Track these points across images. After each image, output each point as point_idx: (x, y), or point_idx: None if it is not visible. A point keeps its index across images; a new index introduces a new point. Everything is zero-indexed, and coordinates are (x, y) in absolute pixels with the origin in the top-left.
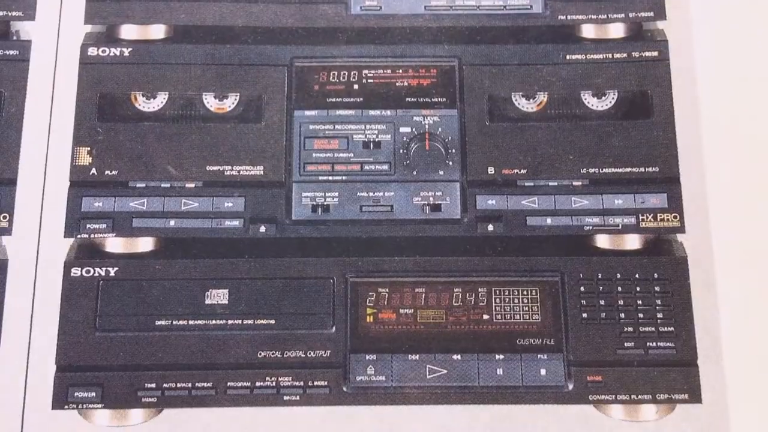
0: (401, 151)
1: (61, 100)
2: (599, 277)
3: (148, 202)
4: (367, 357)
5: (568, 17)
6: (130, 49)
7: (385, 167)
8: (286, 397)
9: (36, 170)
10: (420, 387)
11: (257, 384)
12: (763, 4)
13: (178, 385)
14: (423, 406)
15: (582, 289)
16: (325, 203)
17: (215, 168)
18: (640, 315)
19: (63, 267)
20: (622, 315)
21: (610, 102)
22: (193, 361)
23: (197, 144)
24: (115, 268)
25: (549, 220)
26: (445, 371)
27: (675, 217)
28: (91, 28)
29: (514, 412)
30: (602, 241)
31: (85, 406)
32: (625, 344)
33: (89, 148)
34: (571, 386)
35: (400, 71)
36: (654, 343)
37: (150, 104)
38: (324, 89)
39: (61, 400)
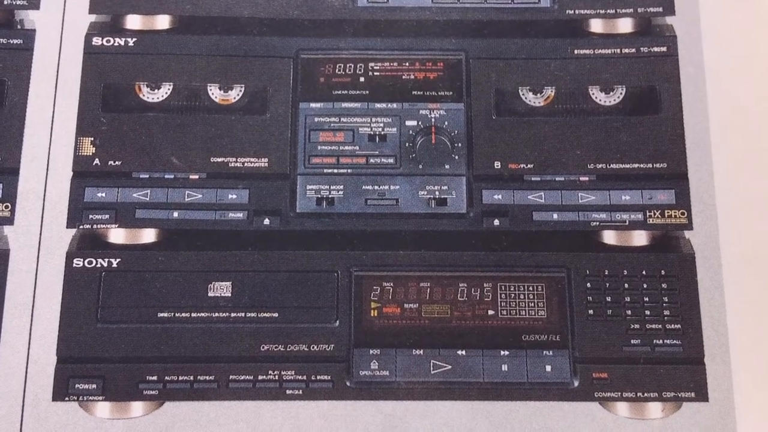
0: (407, 144)
1: (65, 90)
2: (606, 273)
3: (151, 194)
4: (371, 351)
5: (576, 12)
6: (134, 39)
7: (391, 160)
8: (288, 391)
9: (39, 160)
10: (424, 382)
11: (260, 378)
12: None
13: (180, 378)
14: (427, 401)
15: (588, 285)
16: (330, 196)
17: (219, 159)
18: (647, 312)
19: (65, 258)
20: (629, 312)
21: (618, 97)
22: (195, 353)
23: (201, 135)
24: (118, 260)
25: (555, 216)
26: (450, 367)
27: (682, 214)
28: (95, 18)
29: (519, 408)
30: (609, 237)
31: (85, 398)
32: (632, 341)
33: (92, 139)
34: (576, 383)
35: (407, 64)
36: (660, 341)
37: (154, 95)
38: (330, 81)
39: (61, 391)
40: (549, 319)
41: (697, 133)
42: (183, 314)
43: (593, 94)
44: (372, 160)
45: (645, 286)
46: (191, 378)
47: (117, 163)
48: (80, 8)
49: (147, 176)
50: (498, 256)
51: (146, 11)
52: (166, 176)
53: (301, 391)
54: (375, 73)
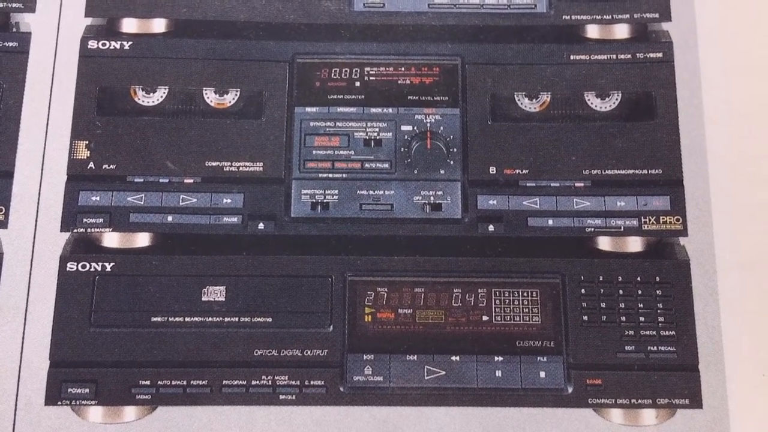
0: (402, 149)
1: (60, 93)
2: (600, 279)
3: (145, 197)
4: (365, 357)
5: (573, 17)
6: (130, 43)
7: (386, 165)
8: (282, 397)
9: (33, 163)
10: (418, 388)
11: (253, 383)
12: None
13: (173, 382)
14: (420, 407)
15: (583, 291)
16: (325, 201)
17: (214, 164)
18: (642, 318)
19: (59, 261)
20: (623, 318)
21: (614, 103)
22: (188, 358)
23: (196, 139)
24: (112, 264)
25: (550, 221)
26: (444, 372)
27: (678, 220)
28: (91, 21)
29: (513, 414)
30: (604, 243)
31: (78, 402)
32: (626, 348)
33: (87, 142)
34: (570, 389)
35: (403, 69)
36: (655, 347)
37: (149, 98)
38: (325, 86)
39: (54, 395)
40: (543, 325)
41: (692, 139)
42: (176, 318)
43: (589, 99)
44: (367, 165)
45: (640, 292)
46: (184, 383)
47: (112, 166)
48: (76, 11)
49: (141, 180)
50: (492, 262)
51: (142, 15)
52: (160, 180)
53: (294, 397)
54: (371, 78)
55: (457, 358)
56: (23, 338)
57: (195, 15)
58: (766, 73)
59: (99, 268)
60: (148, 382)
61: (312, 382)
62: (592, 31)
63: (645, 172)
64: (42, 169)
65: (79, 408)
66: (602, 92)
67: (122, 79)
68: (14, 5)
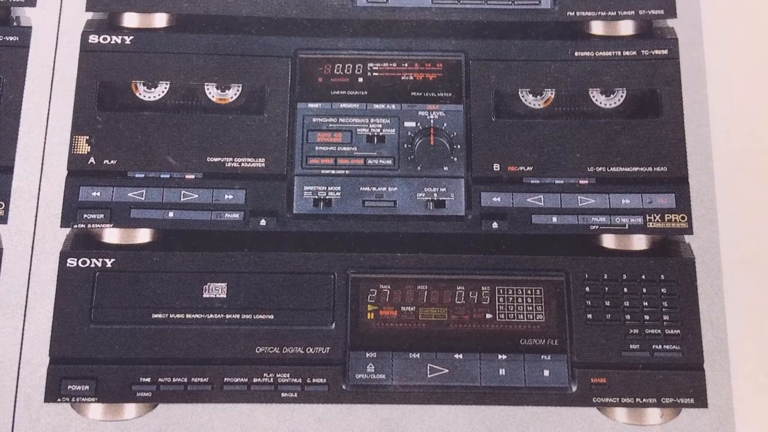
0: (405, 145)
1: (61, 88)
2: (605, 277)
3: (146, 193)
4: (367, 354)
5: (577, 13)
6: (131, 38)
7: (389, 162)
8: (284, 394)
9: (33, 158)
10: (420, 386)
11: (255, 380)
12: None
13: (174, 379)
14: (423, 405)
15: (587, 289)
16: (327, 197)
17: (216, 159)
18: (646, 317)
19: (59, 257)
20: (628, 316)
21: (619, 100)
22: (189, 355)
23: (198, 135)
24: (112, 260)
25: (554, 219)
26: (447, 370)
27: (683, 218)
28: (92, 16)
29: (516, 413)
30: (608, 240)
31: (78, 399)
32: (631, 346)
33: (88, 137)
34: (574, 388)
35: (406, 65)
36: (660, 346)
37: (151, 94)
38: (328, 82)
39: (53, 393)
40: (547, 323)
41: (697, 136)
42: (177, 315)
43: (593, 96)
44: (370, 162)
45: (644, 290)
46: (185, 380)
47: (112, 162)
48: (77, 5)
49: (142, 176)
50: (496, 259)
51: (143, 9)
52: (161, 176)
53: (296, 394)
54: (374, 74)
55: (460, 356)
56: (23, 335)
57: (197, 10)
58: None
59: (99, 264)
60: (148, 380)
61: (314, 380)
62: (597, 28)
63: (650, 169)
64: (42, 164)
65: (79, 405)
66: (607, 89)
67: (123, 74)
68: None
